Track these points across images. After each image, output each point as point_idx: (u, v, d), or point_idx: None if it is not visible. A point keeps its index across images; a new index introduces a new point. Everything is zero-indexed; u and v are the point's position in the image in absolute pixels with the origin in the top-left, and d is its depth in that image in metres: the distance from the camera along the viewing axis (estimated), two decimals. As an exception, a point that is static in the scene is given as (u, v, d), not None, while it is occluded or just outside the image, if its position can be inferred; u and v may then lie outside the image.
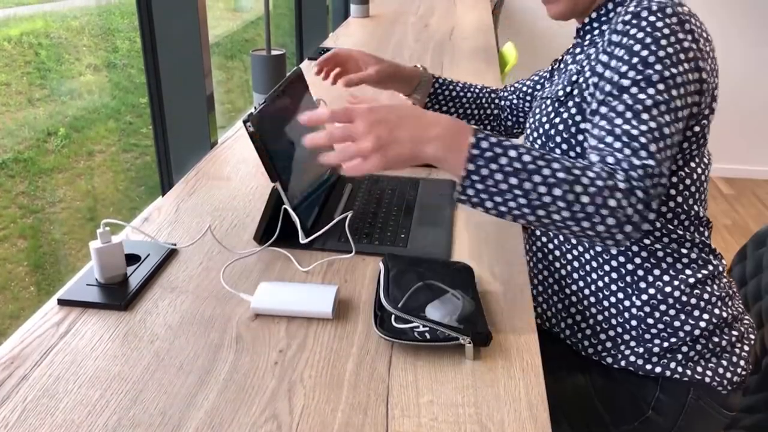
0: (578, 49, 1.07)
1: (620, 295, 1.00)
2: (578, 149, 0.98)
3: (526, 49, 3.81)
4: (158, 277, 0.95)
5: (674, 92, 0.86)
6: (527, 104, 1.32)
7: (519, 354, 0.82)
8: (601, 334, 1.03)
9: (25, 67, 2.33)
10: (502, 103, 1.36)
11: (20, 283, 2.05)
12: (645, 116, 0.84)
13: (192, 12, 1.34)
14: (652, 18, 0.88)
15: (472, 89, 1.35)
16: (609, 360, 1.02)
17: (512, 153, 0.78)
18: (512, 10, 3.89)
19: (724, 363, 0.99)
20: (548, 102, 1.04)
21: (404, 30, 2.78)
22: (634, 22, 0.89)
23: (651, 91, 0.85)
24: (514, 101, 1.33)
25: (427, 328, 0.80)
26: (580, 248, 1.03)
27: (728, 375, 0.99)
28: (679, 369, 0.98)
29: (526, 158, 0.79)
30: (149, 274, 0.94)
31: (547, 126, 1.02)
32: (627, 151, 0.83)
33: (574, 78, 0.99)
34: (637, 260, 0.98)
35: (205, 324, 0.86)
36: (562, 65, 1.14)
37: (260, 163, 0.97)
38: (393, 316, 0.82)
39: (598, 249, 1.01)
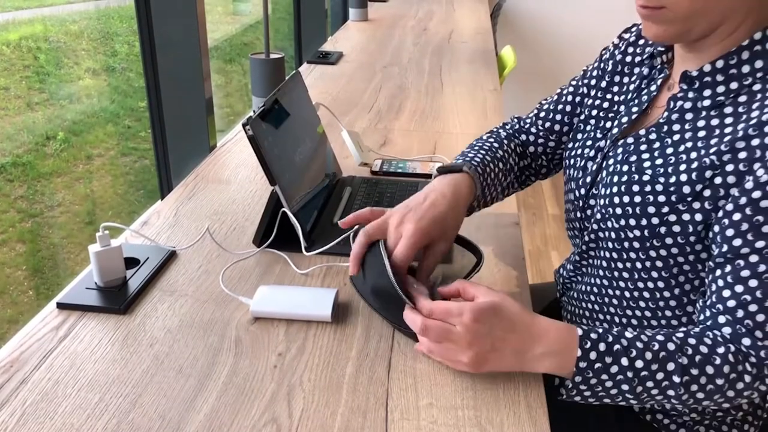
0: (687, 104, 0.83)
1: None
2: (691, 257, 0.82)
3: (524, 52, 3.82)
4: (157, 280, 0.95)
5: None
6: (562, 144, 1.10)
7: (518, 357, 0.82)
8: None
9: (24, 71, 2.33)
10: (531, 149, 1.11)
11: (19, 287, 2.05)
12: None
13: (191, 16, 1.34)
14: None
15: (504, 163, 1.04)
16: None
17: (624, 361, 0.72)
18: (511, 14, 3.90)
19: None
20: (658, 188, 0.82)
21: (403, 34, 2.79)
22: None
23: None
24: (550, 144, 1.09)
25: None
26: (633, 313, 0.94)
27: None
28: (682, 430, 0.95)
29: (639, 364, 0.72)
30: (148, 277, 0.94)
31: (655, 221, 0.82)
32: None
33: (708, 174, 0.77)
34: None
35: (204, 327, 0.86)
36: (634, 99, 0.93)
37: (259, 166, 0.97)
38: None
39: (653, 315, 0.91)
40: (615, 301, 0.94)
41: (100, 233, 0.89)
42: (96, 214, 2.38)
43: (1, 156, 2.13)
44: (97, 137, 2.56)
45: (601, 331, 0.74)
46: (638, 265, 0.87)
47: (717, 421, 0.94)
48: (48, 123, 2.33)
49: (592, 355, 0.72)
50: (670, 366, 0.72)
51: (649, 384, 0.72)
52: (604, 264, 0.94)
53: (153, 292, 0.93)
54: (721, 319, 0.75)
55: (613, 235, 0.89)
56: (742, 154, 0.74)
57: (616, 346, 0.73)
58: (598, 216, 0.92)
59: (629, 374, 0.72)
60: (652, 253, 0.84)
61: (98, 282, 0.91)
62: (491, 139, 1.07)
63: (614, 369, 0.72)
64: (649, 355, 0.72)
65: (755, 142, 0.73)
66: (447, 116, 1.73)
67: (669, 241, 0.82)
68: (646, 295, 0.89)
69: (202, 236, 1.07)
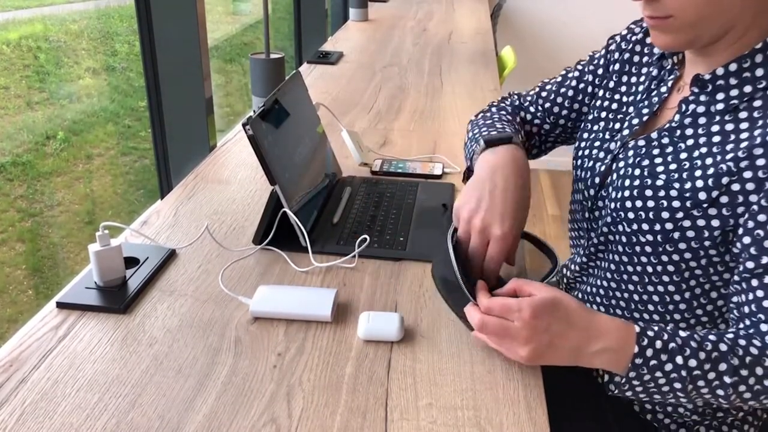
0: (700, 108, 0.82)
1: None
2: (703, 261, 0.82)
3: (524, 52, 3.82)
4: (157, 280, 0.95)
5: None
6: (561, 131, 1.10)
7: (518, 357, 0.82)
8: None
9: (24, 71, 2.33)
10: (527, 128, 1.11)
11: (18, 286, 2.05)
12: None
13: (191, 15, 1.34)
14: None
15: (517, 133, 1.04)
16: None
17: (678, 360, 0.72)
18: (511, 14, 3.90)
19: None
20: (673, 194, 0.82)
21: (403, 34, 2.79)
22: None
23: None
24: (545, 126, 1.10)
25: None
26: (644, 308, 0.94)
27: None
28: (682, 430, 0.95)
29: (692, 363, 0.72)
30: (148, 277, 0.94)
31: (669, 226, 0.82)
32: None
33: (725, 181, 0.76)
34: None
35: (203, 327, 0.86)
36: (644, 100, 0.92)
37: (259, 166, 0.97)
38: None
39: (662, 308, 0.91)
40: (623, 303, 0.94)
41: (99, 233, 0.89)
42: (96, 213, 2.38)
43: (1, 155, 2.13)
44: (97, 137, 2.56)
45: (657, 328, 0.74)
46: (649, 268, 0.87)
47: (717, 421, 0.94)
48: (48, 122, 2.33)
49: (649, 353, 0.72)
50: (722, 366, 0.72)
51: (701, 383, 0.72)
52: (613, 267, 0.93)
53: (152, 291, 0.93)
54: (764, 327, 0.74)
55: (624, 238, 0.89)
56: (761, 161, 0.74)
57: (672, 345, 0.72)
58: (609, 219, 0.91)
59: (683, 373, 0.72)
60: (664, 258, 0.84)
61: (98, 281, 0.91)
62: (503, 113, 1.06)
63: (669, 367, 0.72)
64: (702, 355, 0.72)
65: None
66: (447, 116, 1.73)
67: (682, 246, 0.82)
68: (656, 298, 0.89)
69: (201, 235, 1.07)
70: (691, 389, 0.73)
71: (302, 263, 1.01)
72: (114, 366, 0.78)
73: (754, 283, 0.76)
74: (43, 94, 2.38)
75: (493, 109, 1.10)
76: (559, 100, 1.07)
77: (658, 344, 0.73)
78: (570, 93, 1.07)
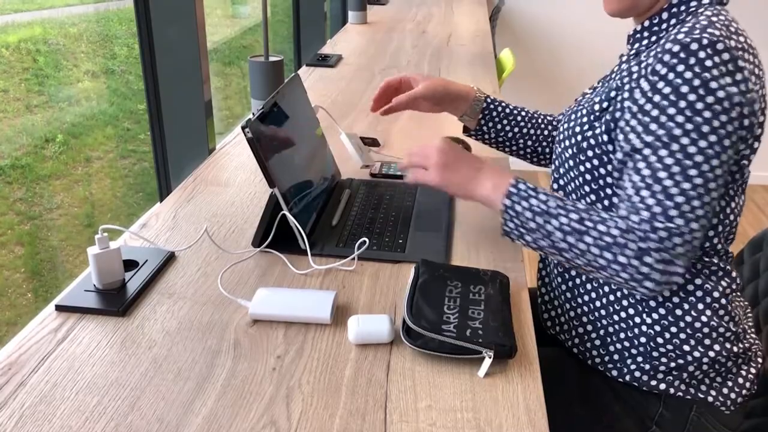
0: (623, 58, 1.03)
1: (631, 311, 0.98)
2: (609, 167, 0.95)
3: (523, 55, 3.83)
4: (156, 282, 0.95)
5: (726, 142, 0.83)
6: None
7: (517, 358, 0.82)
8: (609, 346, 1.01)
9: (23, 74, 2.33)
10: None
11: (17, 289, 2.04)
12: (693, 172, 0.82)
13: (190, 18, 1.35)
14: (702, 54, 0.83)
15: (526, 110, 1.27)
16: (614, 372, 1.01)
17: (542, 197, 0.90)
18: (510, 17, 3.90)
19: (729, 384, 0.98)
20: (584, 112, 1.01)
21: (402, 36, 2.79)
22: (682, 56, 0.83)
23: (702, 143, 0.82)
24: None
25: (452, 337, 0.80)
26: None
27: (732, 396, 0.98)
28: (683, 387, 0.97)
29: (551, 203, 0.89)
30: (147, 279, 0.94)
31: (579, 138, 0.99)
32: (657, 209, 0.83)
33: (612, 94, 0.95)
34: None
35: (203, 330, 0.86)
36: (609, 74, 1.09)
37: (258, 168, 0.97)
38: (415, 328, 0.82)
39: None
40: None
41: (98, 235, 0.89)
42: (95, 216, 2.38)
43: (0, 158, 2.13)
44: (96, 140, 2.56)
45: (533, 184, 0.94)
46: (572, 184, 1.02)
47: (714, 372, 0.98)
48: (47, 125, 2.33)
49: (521, 186, 0.92)
50: (573, 215, 0.88)
51: (554, 223, 0.88)
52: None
53: (152, 294, 0.93)
54: (620, 210, 0.88)
55: (557, 163, 1.06)
56: (635, 75, 0.92)
57: (541, 189, 0.92)
58: (557, 149, 1.08)
59: (543, 207, 0.89)
60: (582, 168, 0.99)
61: (97, 284, 0.91)
62: (526, 108, 1.28)
63: (533, 201, 0.90)
64: (562, 201, 0.90)
65: (644, 64, 0.91)
66: (446, 118, 1.73)
67: (590, 153, 0.97)
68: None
69: (200, 237, 1.07)
70: (551, 230, 0.89)
71: (301, 266, 1.01)
72: (113, 369, 0.78)
73: (622, 170, 0.92)
74: (42, 97, 2.38)
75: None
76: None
77: (530, 185, 0.92)
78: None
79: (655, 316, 0.96)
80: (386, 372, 0.79)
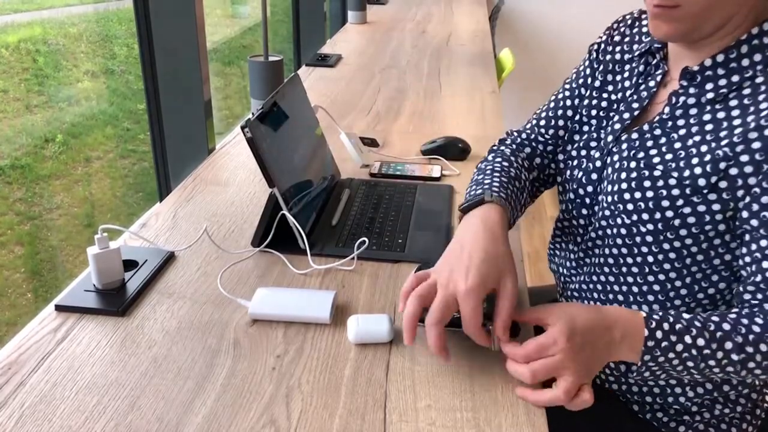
0: (690, 99, 0.85)
1: None
2: (704, 245, 0.84)
3: (523, 55, 3.83)
4: (156, 282, 0.95)
5: None
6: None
7: (517, 358, 0.82)
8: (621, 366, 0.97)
9: (23, 74, 2.33)
10: (537, 160, 1.09)
11: (17, 289, 2.04)
12: None
13: (190, 18, 1.35)
14: None
15: (519, 180, 1.00)
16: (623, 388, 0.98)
17: (687, 339, 0.75)
18: (509, 17, 3.90)
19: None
20: (670, 183, 0.83)
21: (402, 36, 2.79)
22: None
23: None
24: (555, 151, 1.08)
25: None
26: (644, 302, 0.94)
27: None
28: (701, 427, 0.96)
29: (700, 342, 0.75)
30: (147, 279, 0.94)
31: (669, 213, 0.84)
32: None
33: (722, 166, 0.79)
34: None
35: (202, 329, 0.86)
36: (633, 95, 0.93)
37: (258, 168, 0.97)
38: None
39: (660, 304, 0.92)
40: (621, 297, 0.94)
41: (98, 235, 0.89)
42: (95, 216, 2.38)
43: (0, 159, 2.13)
44: (95, 140, 2.56)
45: (661, 313, 0.77)
46: (650, 258, 0.88)
47: (716, 419, 0.95)
48: (47, 125, 2.33)
49: (658, 335, 0.74)
50: (728, 345, 0.74)
51: (711, 362, 0.75)
52: (611, 261, 0.94)
53: (151, 294, 0.93)
54: (754, 288, 0.78)
55: (623, 231, 0.90)
56: (756, 144, 0.76)
57: (678, 326, 0.75)
58: (607, 212, 0.92)
59: (693, 352, 0.74)
60: (665, 246, 0.86)
61: (97, 284, 0.91)
62: (498, 159, 1.02)
63: (679, 347, 0.75)
64: (707, 335, 0.75)
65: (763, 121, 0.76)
66: (445, 118, 1.73)
67: (683, 232, 0.84)
68: (656, 287, 0.90)
69: (200, 237, 1.07)
70: (704, 367, 0.75)
71: (301, 265, 1.01)
72: (113, 368, 0.78)
73: (765, 265, 0.78)
74: (41, 97, 2.38)
75: (489, 157, 1.06)
76: (561, 123, 1.07)
77: (666, 326, 0.75)
78: (569, 113, 1.06)
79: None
80: (386, 372, 0.79)
